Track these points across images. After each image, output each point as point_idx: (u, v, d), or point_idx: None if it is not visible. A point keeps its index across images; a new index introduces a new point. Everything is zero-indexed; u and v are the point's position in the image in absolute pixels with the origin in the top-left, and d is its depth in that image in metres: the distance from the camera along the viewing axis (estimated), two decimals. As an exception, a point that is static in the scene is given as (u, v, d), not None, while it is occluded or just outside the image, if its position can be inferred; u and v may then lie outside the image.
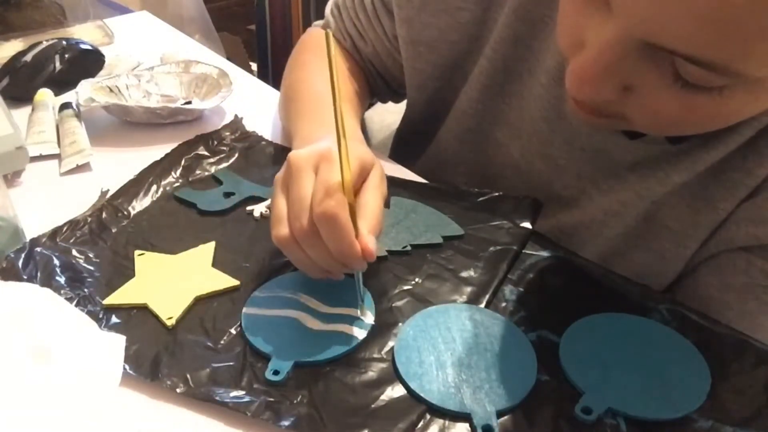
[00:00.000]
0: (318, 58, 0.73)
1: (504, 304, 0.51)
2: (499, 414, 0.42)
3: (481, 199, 0.61)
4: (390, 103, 0.83)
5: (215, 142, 0.70)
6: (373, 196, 0.47)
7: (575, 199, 0.62)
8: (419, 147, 0.75)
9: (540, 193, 0.61)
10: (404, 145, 0.79)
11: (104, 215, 0.58)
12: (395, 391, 0.44)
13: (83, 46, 0.86)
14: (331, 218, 0.43)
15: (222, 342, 0.47)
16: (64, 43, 0.84)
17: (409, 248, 0.55)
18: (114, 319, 0.48)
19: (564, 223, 0.63)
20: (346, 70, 0.73)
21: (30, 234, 0.55)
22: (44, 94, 0.78)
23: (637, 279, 0.54)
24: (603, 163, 0.59)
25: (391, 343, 0.47)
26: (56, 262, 0.52)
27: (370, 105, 0.88)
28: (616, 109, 0.46)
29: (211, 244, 0.56)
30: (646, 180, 0.56)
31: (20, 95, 0.80)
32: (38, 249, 0.52)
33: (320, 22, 0.79)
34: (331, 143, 0.46)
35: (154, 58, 0.92)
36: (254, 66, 1.97)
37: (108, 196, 0.61)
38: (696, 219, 0.55)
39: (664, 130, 0.49)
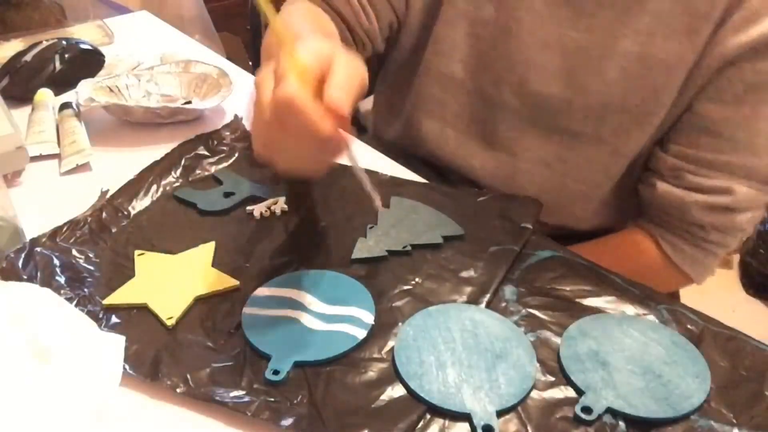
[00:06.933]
0: (290, 12, 0.71)
1: (504, 304, 0.51)
2: (499, 414, 0.42)
3: (481, 199, 0.61)
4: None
5: (215, 142, 0.70)
6: (338, 64, 0.44)
7: (561, 44, 0.66)
8: (413, 60, 0.76)
9: (530, 46, 0.66)
10: (396, 73, 0.80)
11: (104, 215, 0.58)
12: (395, 391, 0.44)
13: (83, 46, 0.86)
14: (286, 101, 0.40)
15: (222, 342, 0.47)
16: (64, 43, 0.84)
17: (409, 248, 0.55)
18: (114, 319, 0.48)
19: (561, 69, 0.66)
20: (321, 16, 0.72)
21: (30, 234, 0.55)
22: (44, 94, 0.78)
23: (638, 118, 0.65)
24: (579, 3, 0.64)
25: (391, 343, 0.47)
26: (56, 262, 0.52)
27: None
28: None
29: (211, 244, 0.56)
30: (622, 11, 0.62)
31: (20, 95, 0.80)
32: (38, 249, 0.52)
33: None
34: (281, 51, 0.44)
35: (154, 58, 0.92)
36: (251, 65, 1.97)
37: (108, 196, 0.61)
38: (681, 43, 0.61)
39: None
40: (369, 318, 0.48)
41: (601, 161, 0.70)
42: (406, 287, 0.52)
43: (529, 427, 0.42)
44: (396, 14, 0.73)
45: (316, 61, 0.43)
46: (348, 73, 0.44)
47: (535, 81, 0.68)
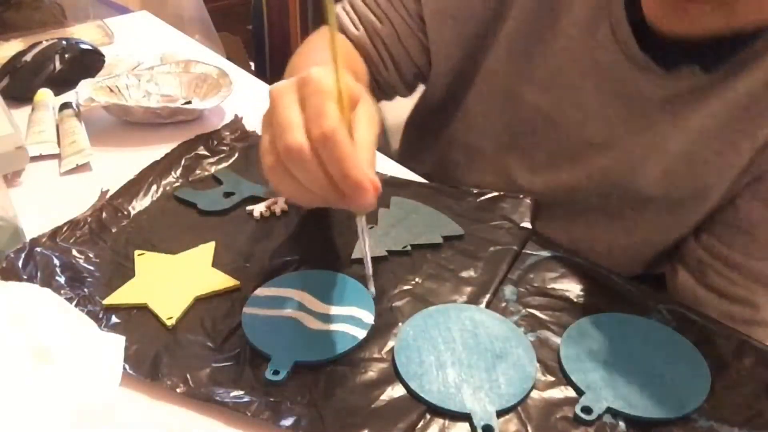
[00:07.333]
0: (315, 43, 0.71)
1: (504, 304, 0.51)
2: (499, 414, 0.42)
3: (481, 199, 0.61)
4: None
5: (215, 142, 0.70)
6: (366, 131, 0.43)
7: (607, 142, 0.62)
8: (442, 117, 0.74)
9: (572, 140, 0.63)
10: (426, 119, 0.79)
11: (104, 215, 0.58)
12: (395, 391, 0.44)
13: (83, 46, 0.86)
14: (332, 138, 0.39)
15: (222, 342, 0.47)
16: (64, 43, 0.84)
17: (409, 248, 0.55)
18: (114, 319, 0.48)
19: (599, 167, 0.63)
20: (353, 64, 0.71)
21: (30, 234, 0.55)
22: (44, 94, 0.78)
23: (679, 212, 0.61)
24: (634, 103, 0.60)
25: (391, 343, 0.47)
26: (56, 262, 0.52)
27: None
28: None
29: (211, 244, 0.56)
30: (679, 113, 0.58)
31: (20, 95, 0.80)
32: (38, 249, 0.52)
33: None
34: (312, 70, 0.42)
35: (154, 58, 0.92)
36: (252, 66, 1.97)
37: (108, 196, 0.61)
38: (736, 147, 0.57)
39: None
40: (369, 318, 0.48)
41: (632, 247, 0.67)
42: (406, 287, 0.52)
43: (529, 427, 0.42)
44: (419, 68, 0.71)
45: (347, 101, 0.42)
46: (373, 131, 0.43)
47: (570, 176, 0.65)
